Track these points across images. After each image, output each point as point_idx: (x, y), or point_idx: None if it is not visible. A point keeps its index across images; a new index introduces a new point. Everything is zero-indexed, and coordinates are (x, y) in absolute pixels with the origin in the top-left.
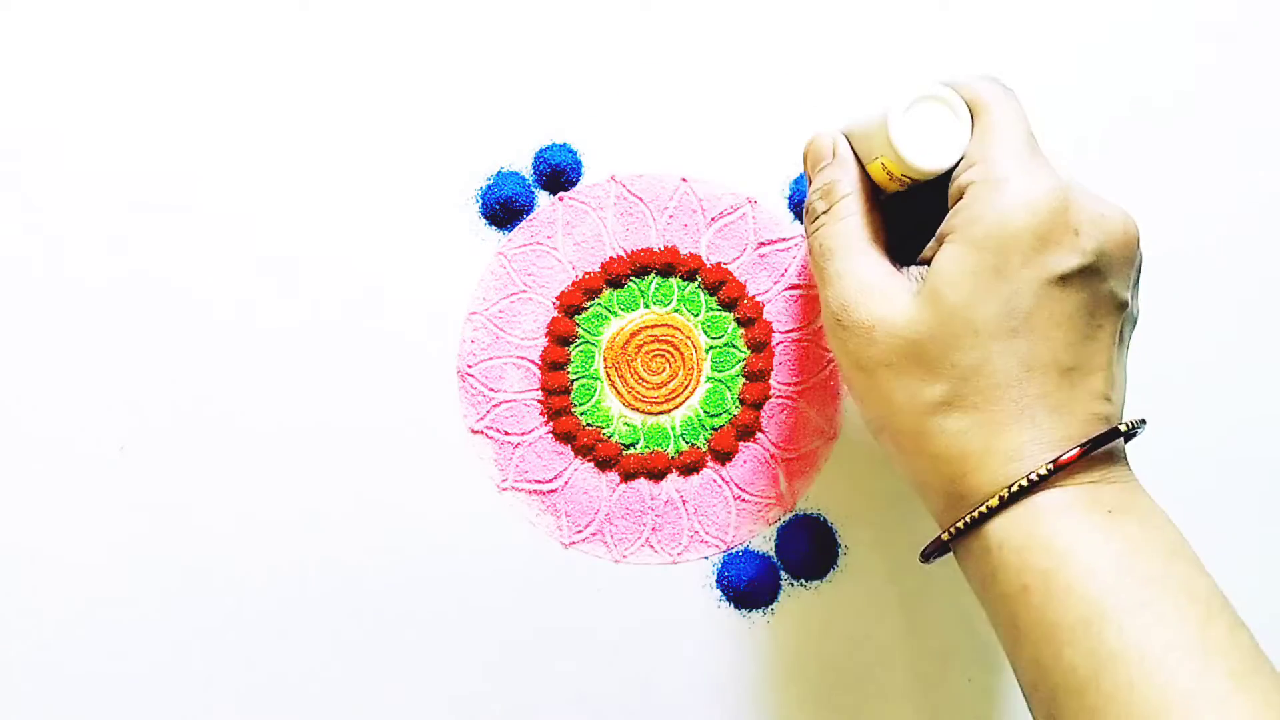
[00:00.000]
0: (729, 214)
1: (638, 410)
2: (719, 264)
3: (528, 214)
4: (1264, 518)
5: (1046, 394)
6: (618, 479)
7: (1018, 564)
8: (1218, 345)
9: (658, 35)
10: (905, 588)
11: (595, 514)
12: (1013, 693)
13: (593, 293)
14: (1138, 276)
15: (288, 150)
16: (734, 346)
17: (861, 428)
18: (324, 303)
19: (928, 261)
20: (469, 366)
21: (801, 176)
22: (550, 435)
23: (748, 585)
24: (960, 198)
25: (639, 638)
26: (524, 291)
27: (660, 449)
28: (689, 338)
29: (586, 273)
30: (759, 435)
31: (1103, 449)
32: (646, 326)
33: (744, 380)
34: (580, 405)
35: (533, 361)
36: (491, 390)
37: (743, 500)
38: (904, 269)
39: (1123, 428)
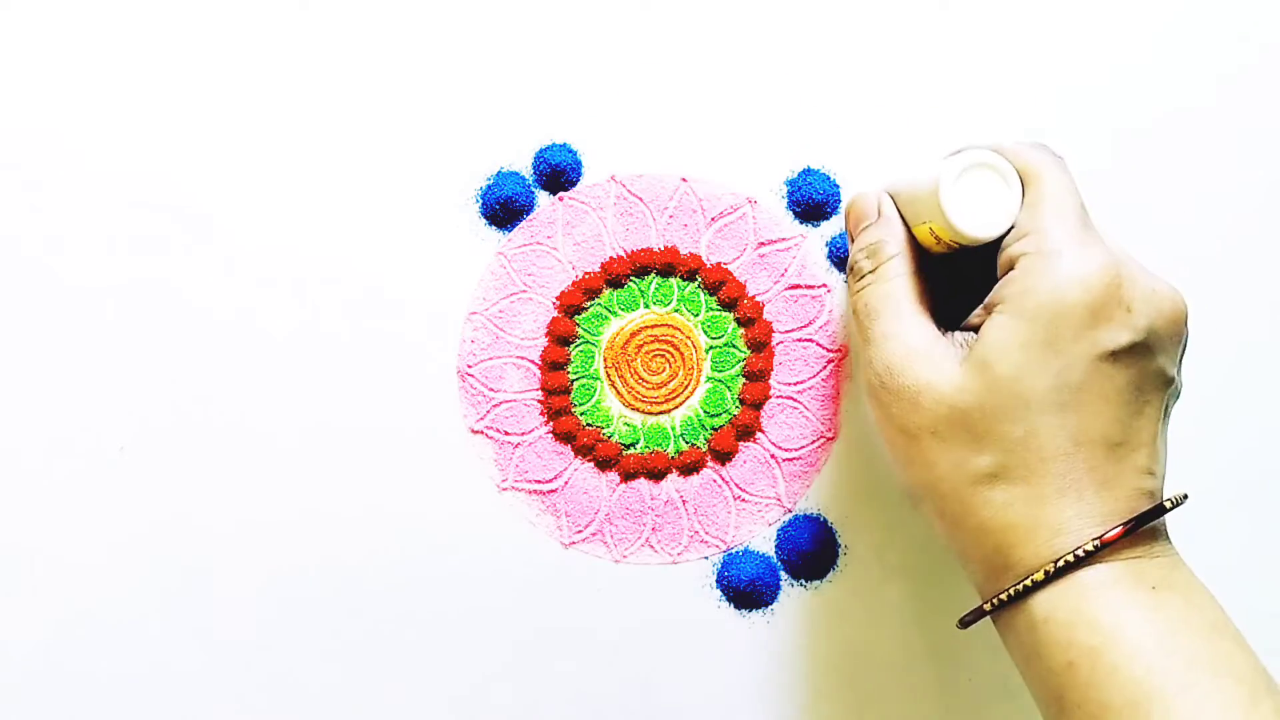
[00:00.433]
0: (729, 214)
1: (638, 410)
2: (719, 264)
3: (528, 214)
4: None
5: (1093, 469)
6: (618, 479)
7: (1064, 640)
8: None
9: (658, 35)
10: (905, 588)
11: (595, 514)
12: (1013, 692)
13: (593, 293)
14: (1183, 352)
15: (288, 151)
16: (734, 346)
17: (861, 428)
18: (324, 303)
19: (973, 328)
20: (469, 366)
21: (801, 176)
22: (550, 435)
23: (748, 585)
24: (1011, 267)
25: (639, 638)
26: (524, 291)
27: (660, 449)
28: (689, 338)
29: (586, 273)
30: (759, 435)
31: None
32: (646, 326)
33: (744, 380)
34: (580, 405)
35: (533, 361)
36: (491, 390)
37: (743, 500)
38: (949, 334)
39: (1167, 504)
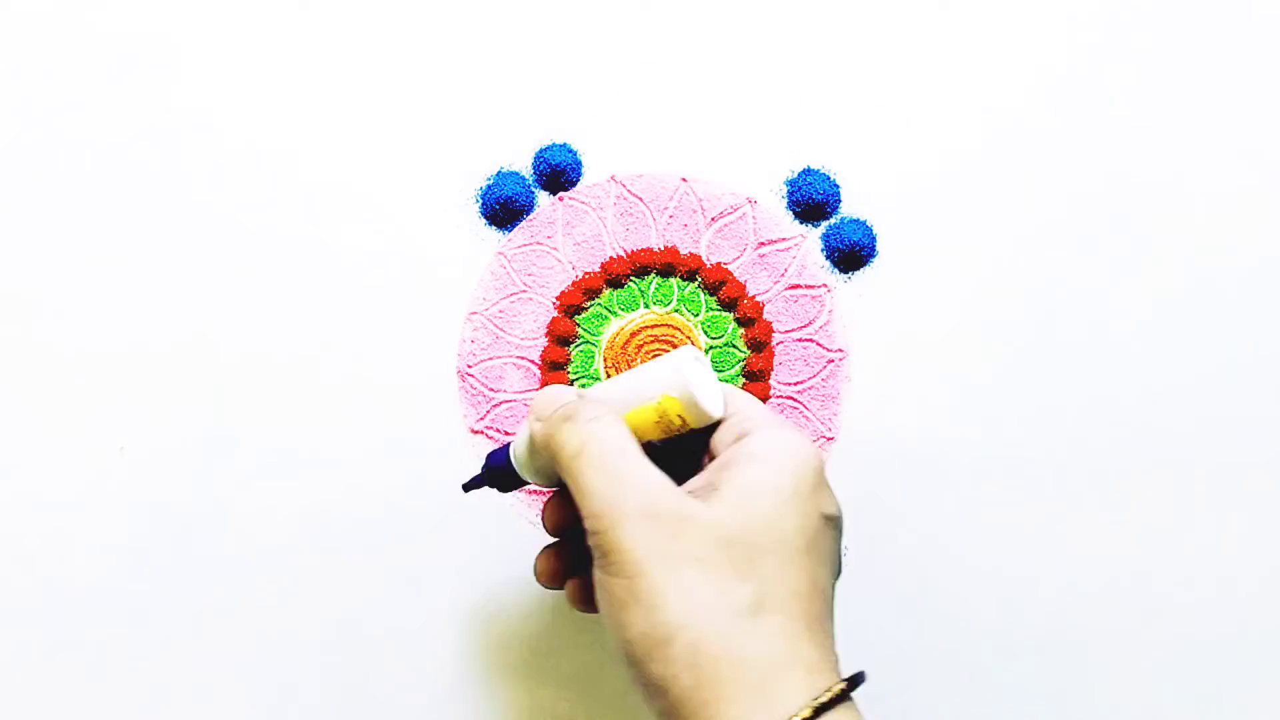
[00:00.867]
0: (729, 214)
1: None
2: (719, 264)
3: (528, 214)
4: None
5: (821, 614)
6: None
7: None
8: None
9: (658, 35)
10: (905, 588)
11: None
12: (1014, 692)
13: (593, 293)
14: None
15: (288, 151)
16: (734, 346)
17: (861, 428)
18: (324, 302)
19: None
20: (469, 366)
21: (801, 175)
22: None
23: None
24: (735, 440)
25: None
26: (524, 291)
27: None
28: (689, 338)
29: (586, 273)
30: None
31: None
32: (646, 326)
33: (744, 380)
34: None
35: (533, 361)
36: (491, 390)
37: None
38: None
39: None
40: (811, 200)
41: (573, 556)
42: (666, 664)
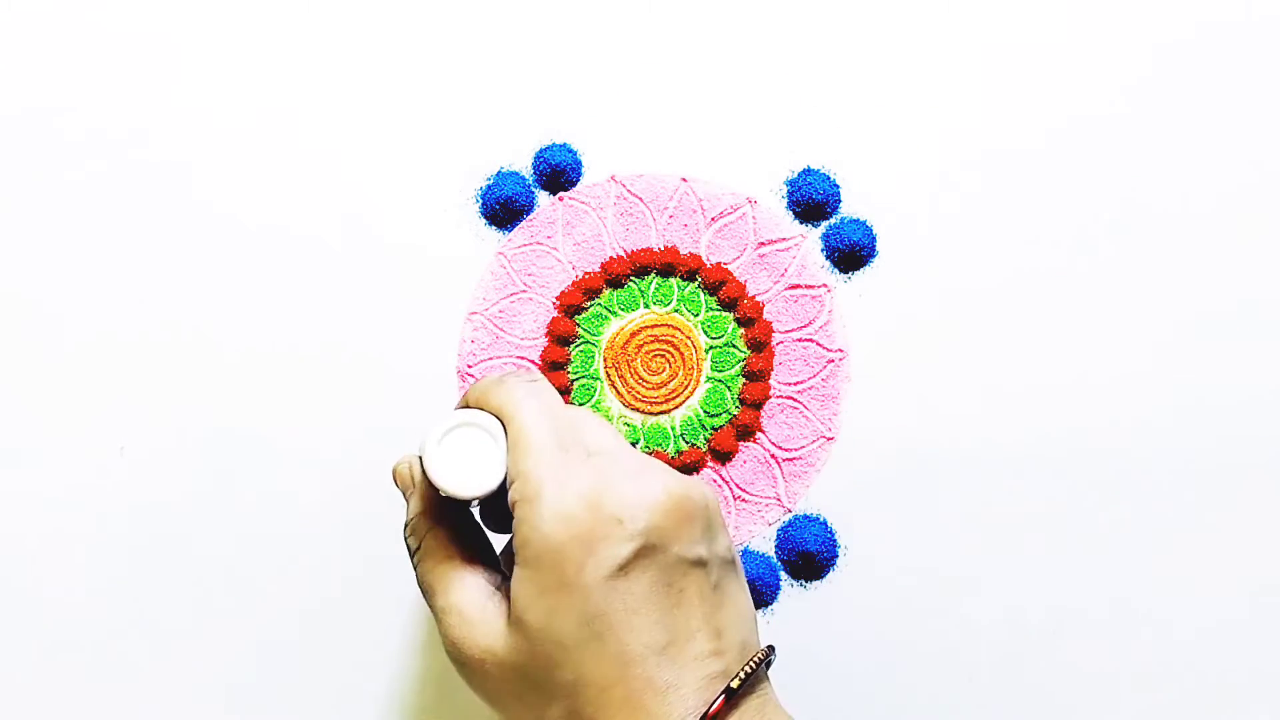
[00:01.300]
0: (729, 214)
1: (638, 410)
2: (719, 264)
3: (528, 214)
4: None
5: (650, 679)
6: None
7: None
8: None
9: (658, 36)
10: (905, 588)
11: None
12: (1014, 692)
13: (593, 293)
14: (709, 524)
15: (288, 151)
16: (734, 346)
17: (861, 428)
18: (324, 302)
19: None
20: (469, 366)
21: (801, 175)
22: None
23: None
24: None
25: None
26: (524, 291)
27: (660, 449)
28: (689, 338)
29: (586, 273)
30: (759, 435)
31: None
32: (646, 326)
33: (744, 380)
34: (580, 405)
35: (533, 361)
36: None
37: (743, 500)
38: (504, 581)
39: (734, 683)
40: (811, 200)
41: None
42: None
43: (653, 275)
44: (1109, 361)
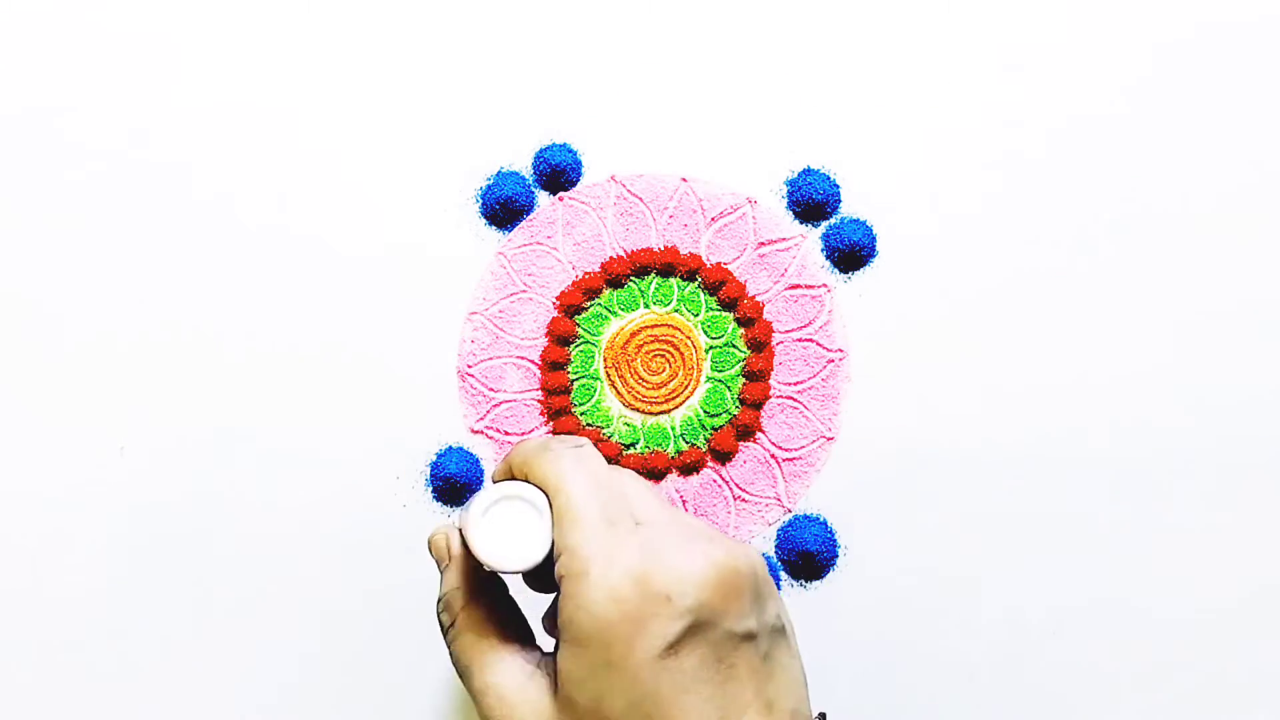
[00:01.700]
0: (729, 214)
1: (638, 410)
2: (719, 264)
3: (528, 214)
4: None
5: None
6: None
7: None
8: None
9: (658, 35)
10: (905, 588)
11: None
12: (1014, 693)
13: (593, 293)
14: (758, 594)
15: (288, 151)
16: (734, 346)
17: (861, 428)
18: (324, 302)
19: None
20: (469, 366)
21: (801, 175)
22: (550, 435)
23: None
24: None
25: None
26: (524, 291)
27: (660, 449)
28: (689, 338)
29: (586, 273)
30: (759, 435)
31: None
32: (646, 326)
33: (744, 380)
34: (580, 405)
35: (533, 361)
36: (491, 390)
37: (743, 500)
38: (544, 659)
39: None
40: (811, 200)
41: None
42: None
43: (653, 275)
44: (1109, 361)
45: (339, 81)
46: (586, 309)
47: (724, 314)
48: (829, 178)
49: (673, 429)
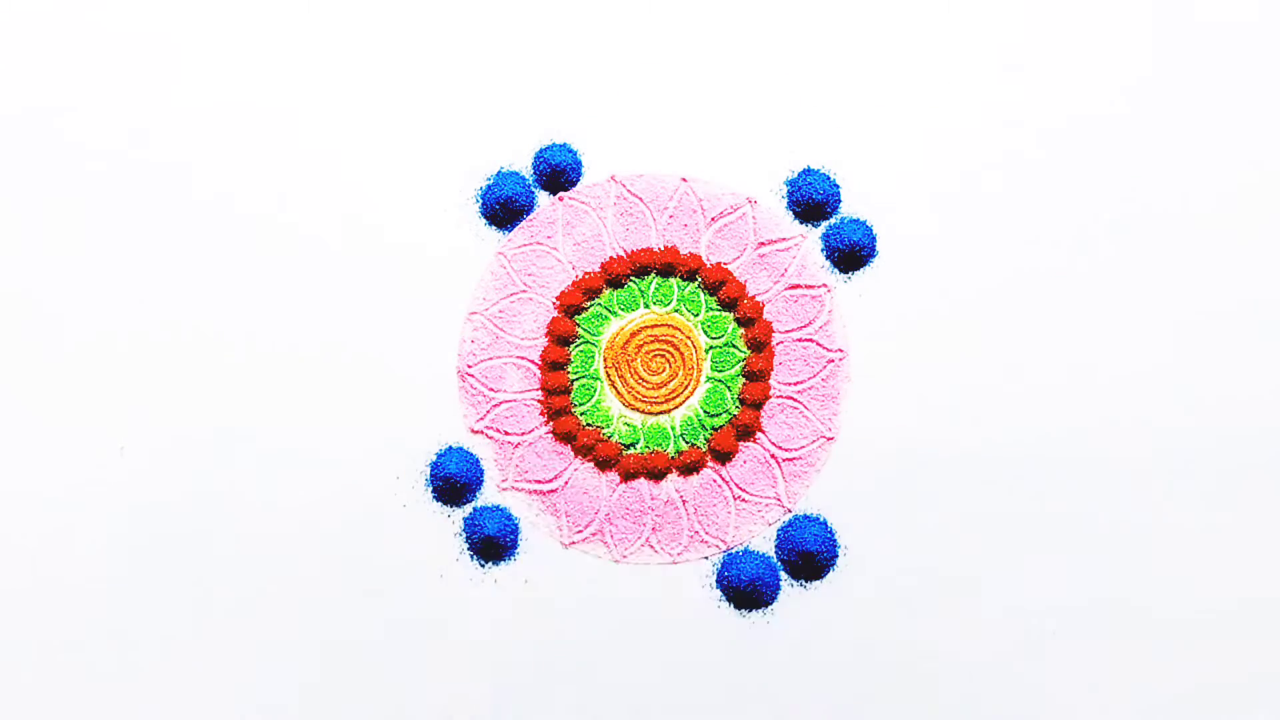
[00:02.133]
0: (729, 214)
1: (638, 410)
2: (719, 264)
3: (528, 214)
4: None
5: None
6: (618, 479)
7: None
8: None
9: (658, 36)
10: (904, 588)
11: (595, 514)
12: (1014, 692)
13: (593, 293)
14: None
15: (288, 151)
16: (734, 346)
17: (861, 428)
18: (325, 302)
19: None
20: (469, 366)
21: (801, 175)
22: (550, 435)
23: (748, 585)
24: None
25: (639, 638)
26: (524, 291)
27: (660, 449)
28: (689, 338)
29: (586, 273)
30: (759, 435)
31: None
32: (646, 326)
33: (744, 380)
34: (580, 405)
35: (533, 361)
36: (491, 390)
37: (743, 500)
38: None
39: None
40: (811, 200)
41: None
42: None
43: (653, 275)
44: (1109, 361)
45: (339, 82)
46: (586, 309)
47: (724, 314)
48: (829, 178)
49: (673, 429)
